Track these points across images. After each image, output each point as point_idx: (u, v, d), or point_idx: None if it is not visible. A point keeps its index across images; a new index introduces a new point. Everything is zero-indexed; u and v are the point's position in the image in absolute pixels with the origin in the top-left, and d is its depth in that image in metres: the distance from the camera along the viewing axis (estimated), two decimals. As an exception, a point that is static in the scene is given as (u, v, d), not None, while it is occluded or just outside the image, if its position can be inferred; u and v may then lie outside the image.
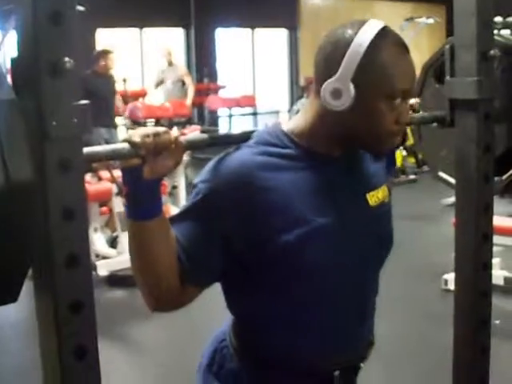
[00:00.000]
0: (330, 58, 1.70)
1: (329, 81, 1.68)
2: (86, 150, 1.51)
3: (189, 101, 12.37)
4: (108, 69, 9.18)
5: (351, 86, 1.66)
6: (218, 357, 1.90)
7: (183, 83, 12.46)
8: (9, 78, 1.44)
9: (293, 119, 1.82)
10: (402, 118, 1.72)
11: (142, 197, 1.60)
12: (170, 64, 12.21)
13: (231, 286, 1.82)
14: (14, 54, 1.46)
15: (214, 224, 1.68)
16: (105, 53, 9.28)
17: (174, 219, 1.72)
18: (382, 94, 1.68)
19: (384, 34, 1.69)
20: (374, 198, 1.86)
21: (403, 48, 1.71)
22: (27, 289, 1.54)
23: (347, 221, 1.78)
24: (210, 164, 1.74)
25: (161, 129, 1.56)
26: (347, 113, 1.68)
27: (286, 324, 1.79)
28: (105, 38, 15.36)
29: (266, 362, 1.82)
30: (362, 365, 1.91)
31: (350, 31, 1.69)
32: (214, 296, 1.95)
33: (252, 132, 1.83)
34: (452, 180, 2.64)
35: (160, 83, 12.27)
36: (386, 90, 1.68)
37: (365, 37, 1.68)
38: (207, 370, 1.92)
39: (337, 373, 1.83)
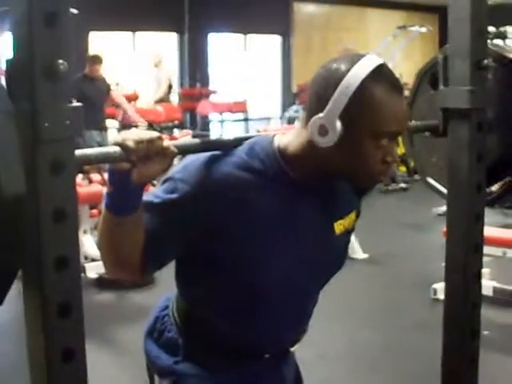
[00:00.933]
0: (321, 94, 1.70)
1: (316, 116, 1.69)
2: (77, 152, 1.50)
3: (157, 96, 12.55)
4: (96, 73, 9.19)
5: (338, 125, 1.66)
6: (159, 324, 1.99)
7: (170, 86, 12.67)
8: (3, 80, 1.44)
9: (287, 136, 1.81)
10: (389, 158, 1.72)
11: (126, 198, 1.61)
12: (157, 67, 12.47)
13: (185, 270, 1.89)
14: (9, 55, 1.46)
15: (184, 221, 1.72)
16: (93, 59, 9.30)
17: (146, 206, 1.72)
18: (368, 134, 1.67)
19: (378, 73, 1.68)
20: (341, 226, 1.91)
21: (396, 89, 1.69)
22: (15, 290, 1.53)
23: (309, 245, 1.84)
24: (194, 163, 1.75)
25: (154, 134, 1.56)
26: (333, 149, 1.69)
27: (227, 313, 1.87)
28: (97, 40, 15.34)
29: (202, 340, 1.92)
30: (292, 349, 2.04)
31: (343, 67, 1.69)
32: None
33: (243, 138, 1.82)
34: (441, 187, 2.64)
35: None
36: (373, 131, 1.67)
37: (357, 75, 1.67)
38: (149, 335, 2.01)
39: (267, 355, 1.96)
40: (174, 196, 1.71)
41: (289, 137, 1.80)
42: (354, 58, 1.70)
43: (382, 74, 1.69)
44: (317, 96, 1.71)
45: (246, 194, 1.73)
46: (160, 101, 13.06)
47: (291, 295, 1.88)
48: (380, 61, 1.71)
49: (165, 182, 1.76)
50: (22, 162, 1.34)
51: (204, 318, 1.90)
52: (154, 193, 1.76)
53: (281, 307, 1.87)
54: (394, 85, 1.70)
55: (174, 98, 14.62)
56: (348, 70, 1.67)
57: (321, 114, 1.67)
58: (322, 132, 1.68)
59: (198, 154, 1.77)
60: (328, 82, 1.69)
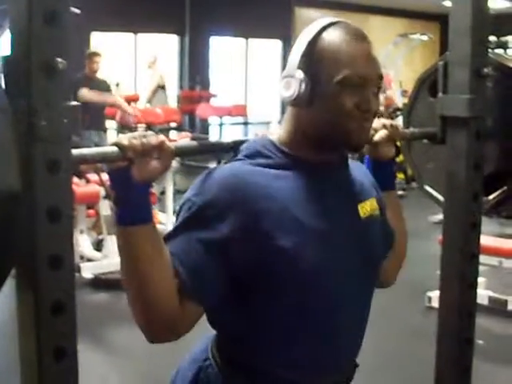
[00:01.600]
0: (289, 54, 1.74)
1: (281, 74, 1.72)
2: (74, 151, 1.50)
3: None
4: (93, 72, 9.19)
5: (298, 74, 1.68)
6: (203, 376, 1.82)
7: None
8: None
9: (278, 129, 1.82)
10: (364, 105, 1.69)
11: (131, 200, 1.55)
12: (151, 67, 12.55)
13: (223, 302, 1.72)
14: (7, 52, 1.46)
15: (211, 234, 1.62)
16: (91, 55, 9.30)
17: (169, 236, 1.65)
18: (332, 81, 1.66)
19: (335, 24, 1.72)
20: (364, 209, 1.84)
21: (355, 35, 1.70)
22: (8, 289, 1.53)
23: (341, 229, 1.76)
24: (199, 178, 1.70)
25: (148, 132, 1.55)
26: (309, 109, 1.70)
27: (277, 336, 1.74)
28: (99, 41, 15.35)
29: (251, 378, 1.76)
30: None
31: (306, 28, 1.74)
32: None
33: (242, 141, 1.82)
34: (438, 195, 2.64)
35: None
36: (335, 76, 1.66)
37: (313, 27, 1.72)
38: None
39: None
40: (192, 210, 1.64)
41: (279, 130, 1.80)
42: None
43: (339, 23, 1.72)
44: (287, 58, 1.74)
45: (263, 185, 1.67)
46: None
47: (342, 294, 1.75)
48: (341, 19, 1.74)
49: (179, 210, 1.69)
50: (18, 159, 1.33)
51: (252, 356, 1.75)
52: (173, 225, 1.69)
53: (335, 314, 1.75)
54: (352, 31, 1.71)
55: (170, 100, 14.58)
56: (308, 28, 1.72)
57: (284, 71, 1.71)
58: (286, 85, 1.70)
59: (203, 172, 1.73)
60: (294, 42, 1.74)
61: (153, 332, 1.64)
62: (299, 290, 1.70)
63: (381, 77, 1.75)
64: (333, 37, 1.69)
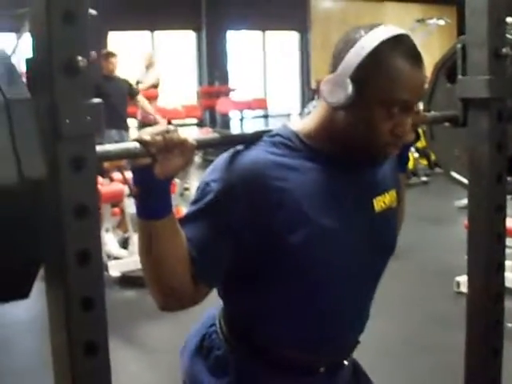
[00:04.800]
0: (337, 56, 1.72)
1: (329, 76, 1.70)
2: (98, 148, 1.51)
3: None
4: (110, 71, 9.22)
5: (348, 83, 1.67)
6: (207, 342, 1.92)
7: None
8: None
9: (302, 120, 1.83)
10: (398, 130, 1.70)
11: (153, 196, 1.58)
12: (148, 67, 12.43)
13: (233, 280, 1.82)
14: (29, 55, 1.47)
15: (226, 221, 1.68)
16: (107, 55, 9.33)
17: (185, 219, 1.72)
18: (379, 99, 1.67)
19: (396, 40, 1.69)
20: (381, 203, 1.88)
21: (413, 59, 1.68)
22: (39, 287, 1.54)
23: (352, 224, 1.80)
24: (221, 161, 1.75)
25: (170, 127, 1.56)
26: (346, 113, 1.70)
27: (281, 316, 1.82)
28: (116, 40, 15.40)
29: (256, 353, 1.86)
30: (345, 362, 1.97)
31: (362, 32, 1.70)
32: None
33: (264, 131, 1.83)
34: (465, 180, 2.63)
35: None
36: (383, 96, 1.67)
37: (374, 38, 1.68)
38: (195, 354, 1.94)
39: (322, 369, 1.89)
40: (210, 197, 1.69)
41: (303, 121, 1.82)
42: (376, 26, 1.71)
43: (400, 41, 1.69)
44: (333, 58, 1.73)
45: (280, 176, 1.70)
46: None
47: (348, 284, 1.81)
48: (402, 31, 1.71)
49: (197, 191, 1.75)
50: (41, 147, 1.34)
51: (258, 333, 1.84)
52: (188, 207, 1.74)
53: (340, 301, 1.82)
54: (411, 54, 1.69)
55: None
56: (366, 33, 1.69)
57: (333, 74, 1.70)
58: (332, 90, 1.69)
59: (223, 154, 1.77)
60: (345, 44, 1.71)
61: (163, 303, 1.73)
62: (305, 282, 1.77)
63: (420, 100, 1.78)
64: (394, 58, 1.66)
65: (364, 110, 1.68)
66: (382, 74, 1.66)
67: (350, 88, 1.66)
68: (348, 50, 1.69)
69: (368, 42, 1.67)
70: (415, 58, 1.69)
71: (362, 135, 1.70)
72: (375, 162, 1.84)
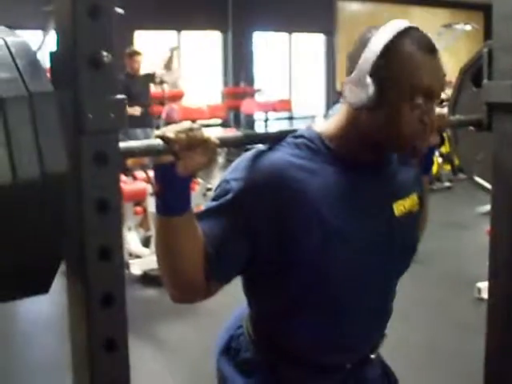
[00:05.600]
0: (353, 56, 1.72)
1: (348, 77, 1.71)
2: (121, 144, 1.51)
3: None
4: (135, 71, 9.24)
5: (368, 81, 1.66)
6: (235, 343, 1.95)
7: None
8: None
9: (325, 122, 1.83)
10: (426, 118, 1.69)
11: (174, 193, 1.59)
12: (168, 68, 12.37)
13: (254, 283, 1.85)
14: (53, 49, 1.48)
15: (244, 222, 1.69)
16: (131, 54, 9.35)
17: (203, 215, 1.72)
18: (401, 91, 1.66)
19: (408, 32, 1.69)
20: (401, 207, 1.87)
21: (427, 47, 1.69)
22: (60, 283, 1.55)
23: (371, 228, 1.80)
24: (243, 161, 1.75)
25: (194, 125, 1.55)
26: (371, 112, 1.69)
27: (302, 317, 1.82)
28: (143, 40, 15.46)
29: (282, 355, 1.87)
30: (372, 356, 1.98)
31: (373, 30, 1.71)
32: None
33: (288, 131, 1.83)
34: (488, 185, 2.61)
35: None
36: (404, 88, 1.66)
37: (386, 33, 1.69)
38: (224, 353, 1.97)
39: (348, 365, 1.91)
40: (230, 195, 1.70)
41: (327, 123, 1.81)
42: (387, 23, 1.72)
43: (412, 32, 1.70)
44: (349, 59, 1.74)
45: (301, 179, 1.70)
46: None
47: (367, 285, 1.82)
48: (412, 25, 1.72)
49: (217, 188, 1.75)
50: (64, 141, 1.34)
51: (284, 333, 1.85)
52: (207, 203, 1.75)
53: (360, 301, 1.83)
54: (425, 42, 1.69)
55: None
56: (378, 31, 1.70)
57: (352, 75, 1.70)
58: (353, 91, 1.69)
59: (245, 153, 1.77)
60: (360, 44, 1.72)
61: (176, 295, 1.75)
62: (323, 282, 1.77)
63: (443, 89, 1.76)
64: (408, 48, 1.67)
65: (388, 106, 1.68)
66: (399, 65, 1.66)
67: (370, 86, 1.66)
68: (363, 49, 1.69)
69: (380, 37, 1.68)
70: (429, 45, 1.69)
71: (389, 131, 1.70)
72: (411, 156, 1.83)
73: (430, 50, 1.69)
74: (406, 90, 1.66)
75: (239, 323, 1.96)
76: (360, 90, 1.67)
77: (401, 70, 1.66)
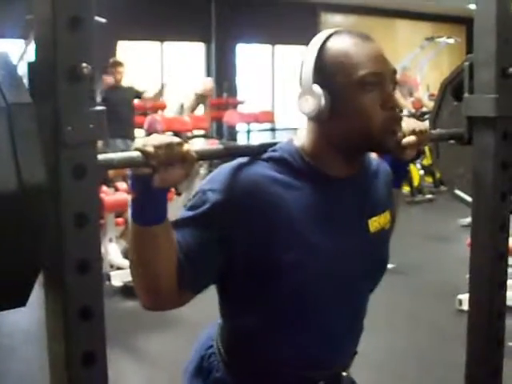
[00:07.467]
0: (298, 74, 1.75)
1: (298, 93, 1.72)
2: (100, 156, 1.50)
3: None
4: (117, 81, 9.22)
5: (315, 89, 1.68)
6: (206, 363, 1.91)
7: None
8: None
9: (303, 135, 1.82)
10: (388, 103, 1.69)
11: (149, 204, 1.58)
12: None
13: (229, 297, 1.84)
14: (32, 58, 1.47)
15: (219, 233, 1.69)
16: (114, 65, 9.33)
17: (178, 223, 1.71)
18: (351, 85, 1.67)
19: (336, 33, 1.73)
20: (376, 223, 1.88)
21: (361, 37, 1.71)
22: (38, 295, 1.54)
23: (346, 244, 1.80)
24: (221, 172, 1.75)
25: (174, 139, 1.54)
26: (334, 121, 1.70)
27: (277, 334, 1.81)
28: (125, 50, 15.43)
29: (253, 373, 1.85)
30: (344, 373, 1.95)
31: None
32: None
33: (268, 145, 1.82)
34: (469, 198, 2.62)
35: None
36: (353, 80, 1.67)
37: (317, 40, 1.72)
38: (195, 375, 1.94)
39: (321, 382, 1.88)
40: (206, 206, 1.69)
41: (304, 137, 1.81)
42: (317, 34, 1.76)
43: (341, 31, 1.74)
44: (298, 77, 1.75)
45: (278, 194, 1.70)
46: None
47: (341, 300, 1.82)
48: (339, 28, 1.77)
49: (194, 196, 1.75)
50: (42, 152, 1.33)
51: (258, 350, 1.83)
52: (183, 211, 1.74)
53: (334, 317, 1.83)
54: (357, 33, 1.72)
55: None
56: (310, 43, 1.73)
57: (300, 90, 1.72)
58: (306, 101, 1.70)
59: (224, 165, 1.77)
60: (301, 59, 1.75)
61: (147, 302, 1.73)
62: (298, 299, 1.76)
63: (395, 72, 1.76)
64: (340, 43, 1.70)
65: (346, 106, 1.68)
66: (339, 61, 1.68)
67: (319, 93, 1.68)
68: (301, 64, 1.73)
69: (314, 43, 1.72)
70: (360, 35, 1.73)
71: (360, 130, 1.70)
72: (387, 150, 1.79)
73: (364, 37, 1.72)
74: (355, 82, 1.67)
75: (209, 343, 1.93)
76: (311, 99, 1.69)
77: (342, 66, 1.68)
